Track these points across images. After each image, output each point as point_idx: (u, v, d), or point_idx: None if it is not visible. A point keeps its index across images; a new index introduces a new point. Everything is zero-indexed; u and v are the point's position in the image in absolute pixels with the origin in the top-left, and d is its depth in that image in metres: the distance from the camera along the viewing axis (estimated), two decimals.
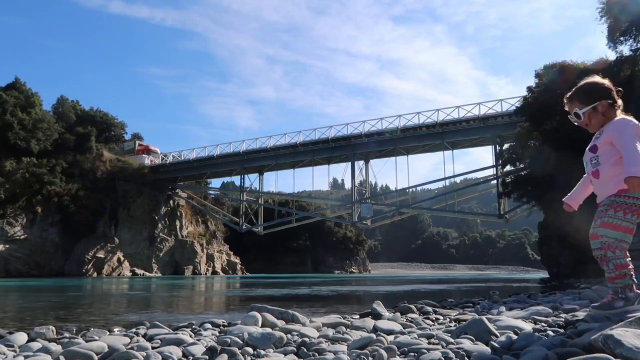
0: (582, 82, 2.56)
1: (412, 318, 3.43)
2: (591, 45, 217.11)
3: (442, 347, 2.09)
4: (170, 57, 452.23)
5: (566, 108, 2.62)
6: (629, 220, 2.28)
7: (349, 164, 38.69)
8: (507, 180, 25.91)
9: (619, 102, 2.48)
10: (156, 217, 47.83)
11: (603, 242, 2.32)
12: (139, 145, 53.65)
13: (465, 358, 1.85)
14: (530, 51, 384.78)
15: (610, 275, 2.38)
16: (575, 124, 2.58)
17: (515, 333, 2.24)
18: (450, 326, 2.95)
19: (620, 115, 2.44)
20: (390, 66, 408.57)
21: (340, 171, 52.12)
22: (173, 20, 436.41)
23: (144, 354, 2.18)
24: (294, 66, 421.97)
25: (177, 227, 50.57)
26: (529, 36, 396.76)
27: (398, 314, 3.64)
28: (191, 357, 2.22)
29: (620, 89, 2.53)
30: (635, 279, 2.39)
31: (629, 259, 2.38)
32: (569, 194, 2.69)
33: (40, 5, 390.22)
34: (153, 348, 2.38)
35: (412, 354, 2.00)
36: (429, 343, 2.24)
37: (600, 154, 2.42)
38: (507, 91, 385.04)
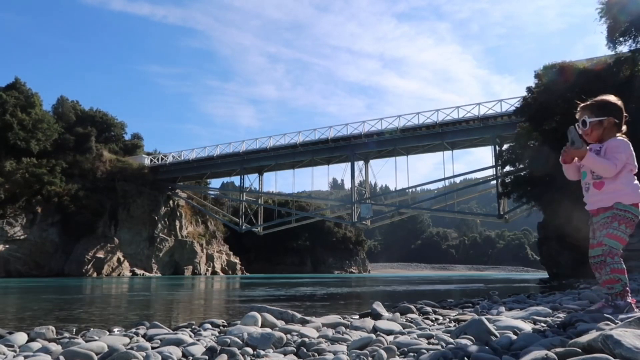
0: (600, 97, 2.69)
1: (411, 318, 3.43)
2: (595, 44, 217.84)
3: (442, 347, 2.09)
4: (171, 56, 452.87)
5: (577, 115, 2.74)
6: (625, 232, 2.51)
7: (349, 164, 38.74)
8: (507, 181, 25.93)
9: (624, 127, 2.63)
10: (156, 217, 47.86)
11: (604, 249, 2.49)
12: None
13: (465, 358, 1.85)
14: (535, 50, 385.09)
15: (605, 279, 2.50)
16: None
17: (515, 333, 2.24)
18: (450, 326, 2.95)
19: (619, 136, 2.61)
20: (392, 64, 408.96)
21: (340, 171, 52.22)
22: (175, 18, 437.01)
23: (144, 354, 2.18)
24: (296, 64, 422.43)
25: (177, 227, 50.60)
26: (534, 34, 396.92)
27: (398, 314, 3.64)
28: (191, 357, 2.22)
29: (626, 115, 2.66)
30: (628, 287, 2.50)
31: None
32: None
33: (40, 4, 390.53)
34: (153, 348, 2.38)
35: (412, 354, 2.00)
36: (429, 343, 2.24)
37: None
38: (511, 90, 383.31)
